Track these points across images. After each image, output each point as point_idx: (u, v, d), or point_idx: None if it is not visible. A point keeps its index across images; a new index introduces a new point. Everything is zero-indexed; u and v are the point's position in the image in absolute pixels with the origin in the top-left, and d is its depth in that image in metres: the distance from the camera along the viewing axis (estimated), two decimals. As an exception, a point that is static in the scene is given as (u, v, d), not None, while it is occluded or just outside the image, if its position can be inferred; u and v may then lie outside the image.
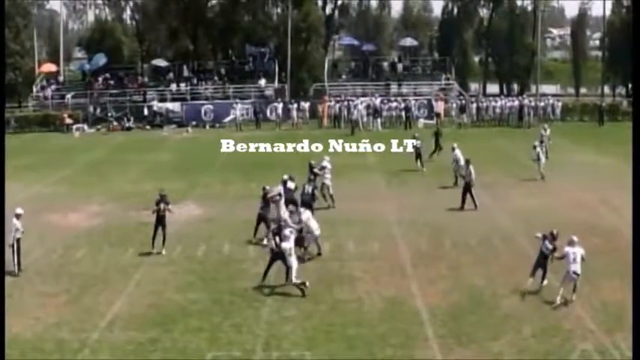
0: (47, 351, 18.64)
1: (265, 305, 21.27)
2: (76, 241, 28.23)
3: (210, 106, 63.73)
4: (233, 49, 76.90)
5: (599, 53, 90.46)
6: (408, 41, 79.92)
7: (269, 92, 66.16)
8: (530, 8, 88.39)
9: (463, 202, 31.79)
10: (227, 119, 62.55)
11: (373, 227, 29.09)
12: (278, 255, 22.47)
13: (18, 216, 24.82)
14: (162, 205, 26.15)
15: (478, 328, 19.40)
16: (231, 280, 23.33)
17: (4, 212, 25.86)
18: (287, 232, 22.91)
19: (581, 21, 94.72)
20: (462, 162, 35.80)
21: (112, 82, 67.40)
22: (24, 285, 23.39)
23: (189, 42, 79.08)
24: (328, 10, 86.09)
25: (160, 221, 26.21)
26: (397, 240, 27.49)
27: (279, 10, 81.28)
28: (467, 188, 31.90)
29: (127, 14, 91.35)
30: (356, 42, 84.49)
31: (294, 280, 21.90)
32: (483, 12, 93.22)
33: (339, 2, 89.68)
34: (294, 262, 22.10)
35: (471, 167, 32.20)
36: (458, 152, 36.50)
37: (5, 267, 23.51)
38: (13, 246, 24.31)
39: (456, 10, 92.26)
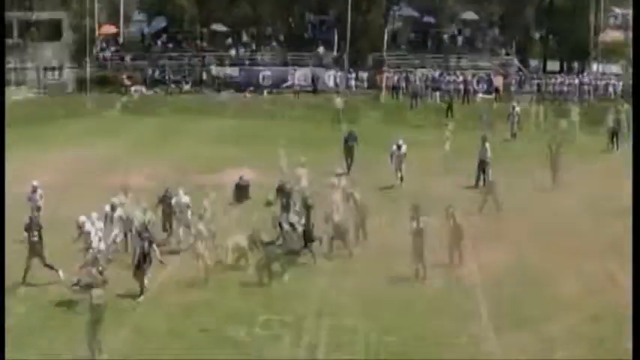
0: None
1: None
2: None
3: (268, 72, 63.66)
4: (293, 16, 76.58)
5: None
6: (469, 15, 78.96)
7: (327, 60, 65.94)
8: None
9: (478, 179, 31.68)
10: (284, 85, 62.63)
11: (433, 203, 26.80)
12: None
13: (34, 189, 25.07)
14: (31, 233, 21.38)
15: (533, 309, 19.38)
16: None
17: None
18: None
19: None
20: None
21: (170, 45, 67.68)
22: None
23: (249, 8, 78.84)
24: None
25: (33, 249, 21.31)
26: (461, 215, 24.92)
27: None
28: (482, 165, 31.70)
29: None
30: (416, 13, 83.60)
31: None
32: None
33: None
34: None
35: (487, 145, 31.99)
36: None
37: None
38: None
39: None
